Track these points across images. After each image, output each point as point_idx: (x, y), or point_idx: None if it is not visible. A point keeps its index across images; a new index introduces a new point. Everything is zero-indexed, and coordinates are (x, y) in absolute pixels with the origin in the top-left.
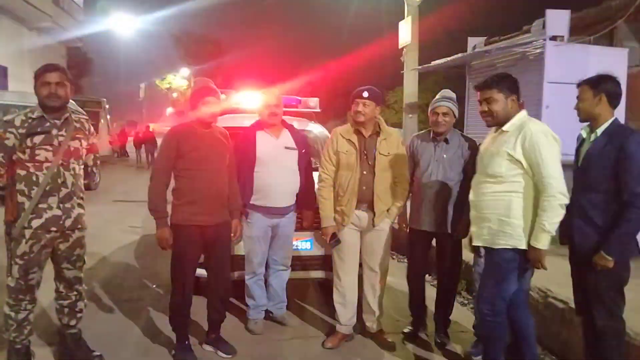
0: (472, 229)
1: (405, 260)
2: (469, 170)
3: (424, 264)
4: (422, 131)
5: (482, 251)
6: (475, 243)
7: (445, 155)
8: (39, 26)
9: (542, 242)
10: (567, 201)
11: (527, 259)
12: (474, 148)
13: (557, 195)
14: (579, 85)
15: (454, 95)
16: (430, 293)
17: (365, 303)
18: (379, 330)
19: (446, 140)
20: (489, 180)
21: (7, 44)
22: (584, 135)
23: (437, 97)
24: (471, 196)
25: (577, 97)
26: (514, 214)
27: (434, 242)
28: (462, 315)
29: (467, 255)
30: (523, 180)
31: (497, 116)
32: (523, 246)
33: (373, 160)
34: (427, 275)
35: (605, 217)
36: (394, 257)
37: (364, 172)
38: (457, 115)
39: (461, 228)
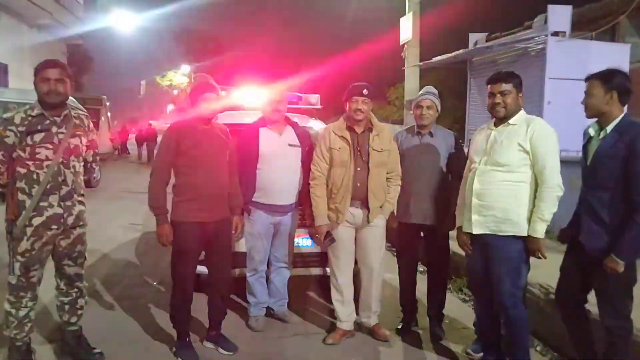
0: (474, 217)
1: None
2: (453, 163)
3: (414, 257)
4: (408, 126)
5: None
6: (477, 231)
7: (429, 149)
8: (39, 23)
9: (540, 232)
10: (562, 194)
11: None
12: (457, 141)
13: (555, 187)
14: (587, 79)
15: (436, 91)
16: (422, 286)
17: (362, 299)
18: (375, 324)
19: (430, 134)
20: (499, 169)
21: (7, 41)
22: (592, 132)
23: (421, 92)
24: (476, 185)
25: (586, 92)
26: (521, 202)
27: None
28: (463, 312)
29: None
30: (530, 170)
31: (509, 109)
32: (525, 233)
33: (367, 156)
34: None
35: (614, 216)
36: (394, 253)
37: (358, 169)
38: (439, 110)
39: (448, 220)
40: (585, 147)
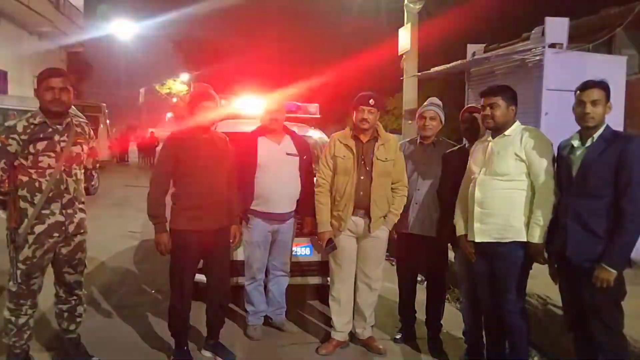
0: (476, 225)
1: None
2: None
3: (414, 268)
4: (411, 137)
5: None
6: (479, 239)
7: (432, 160)
8: (40, 31)
9: (538, 237)
10: (556, 200)
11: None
12: (462, 152)
13: (550, 194)
14: (591, 87)
15: (440, 102)
16: (421, 296)
17: (357, 309)
18: (369, 337)
19: (433, 145)
20: (497, 178)
21: (7, 49)
22: (576, 143)
23: (425, 103)
24: (477, 194)
25: (590, 101)
26: (521, 209)
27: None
28: (460, 322)
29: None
30: (528, 178)
31: (497, 121)
32: (526, 239)
33: (370, 165)
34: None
35: (605, 225)
36: (393, 263)
37: (361, 177)
38: (443, 121)
39: (447, 232)
40: (568, 158)
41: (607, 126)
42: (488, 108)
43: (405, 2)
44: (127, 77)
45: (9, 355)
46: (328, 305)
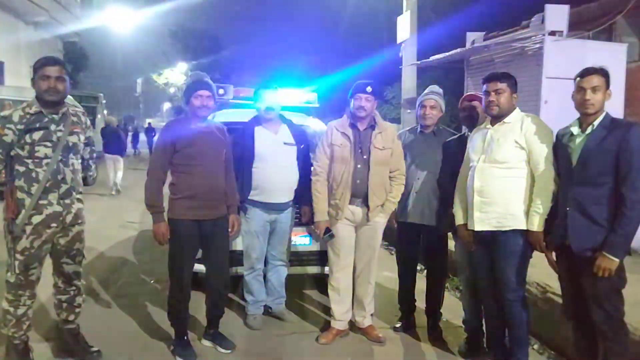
0: (476, 214)
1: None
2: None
3: (414, 257)
4: (411, 126)
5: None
6: (479, 228)
7: (432, 148)
8: (36, 20)
9: (538, 225)
10: (556, 188)
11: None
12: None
13: (550, 182)
14: (592, 73)
15: (441, 90)
16: (420, 285)
17: (357, 298)
18: (368, 325)
19: (433, 133)
20: (497, 166)
21: (3, 38)
22: (575, 131)
23: (425, 91)
24: (476, 183)
25: (591, 88)
26: (521, 197)
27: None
28: (460, 310)
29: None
30: (526, 166)
31: (502, 107)
32: (526, 227)
33: (368, 153)
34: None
35: (606, 213)
36: (392, 252)
37: (358, 166)
38: (443, 109)
39: (446, 221)
40: (566, 146)
41: (607, 113)
42: (493, 94)
43: None
44: (124, 67)
45: (9, 345)
46: (327, 294)
